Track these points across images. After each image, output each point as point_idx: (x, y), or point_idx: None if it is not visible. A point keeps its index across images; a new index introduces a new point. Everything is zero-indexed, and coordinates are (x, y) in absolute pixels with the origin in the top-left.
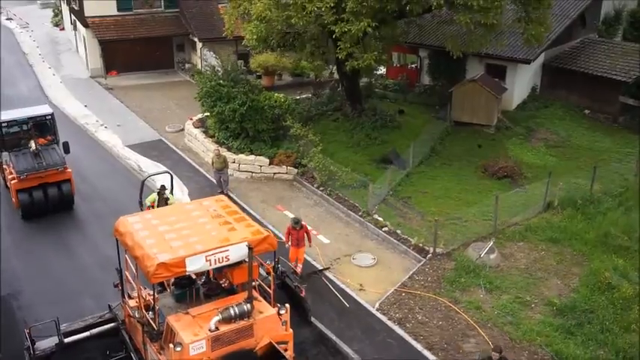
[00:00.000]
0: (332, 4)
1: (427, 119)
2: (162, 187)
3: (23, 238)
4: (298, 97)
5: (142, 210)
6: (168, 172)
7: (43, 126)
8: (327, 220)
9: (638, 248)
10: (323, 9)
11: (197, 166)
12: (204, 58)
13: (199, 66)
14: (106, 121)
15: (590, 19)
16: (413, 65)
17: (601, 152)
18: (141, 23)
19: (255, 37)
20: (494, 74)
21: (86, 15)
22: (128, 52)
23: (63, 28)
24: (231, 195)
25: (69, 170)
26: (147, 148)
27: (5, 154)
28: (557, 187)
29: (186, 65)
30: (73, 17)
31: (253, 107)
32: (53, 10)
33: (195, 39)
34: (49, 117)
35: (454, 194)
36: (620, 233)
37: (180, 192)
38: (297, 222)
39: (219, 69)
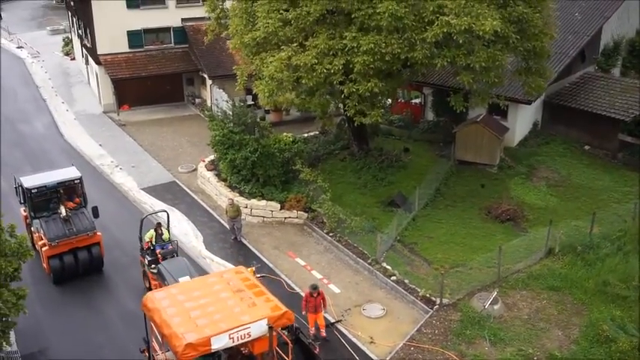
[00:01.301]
0: (340, 67)
1: (432, 158)
2: (159, 225)
3: (49, 291)
4: (306, 135)
5: (141, 243)
6: (165, 211)
7: (72, 189)
8: (337, 268)
9: (636, 297)
10: (332, 71)
11: (211, 210)
12: (215, 100)
13: (209, 101)
14: (120, 162)
15: (590, 54)
16: (417, 100)
17: (600, 192)
18: (151, 60)
19: (267, 94)
20: (497, 112)
21: (99, 53)
22: (139, 87)
23: (74, 58)
24: (245, 241)
25: (98, 234)
26: (161, 191)
27: (36, 221)
28: (558, 231)
29: (197, 100)
30: (85, 51)
31: (264, 153)
32: (64, 40)
33: (205, 75)
34: (78, 181)
35: (459, 239)
36: (619, 281)
37: (194, 238)
38: (315, 288)
39: (230, 112)
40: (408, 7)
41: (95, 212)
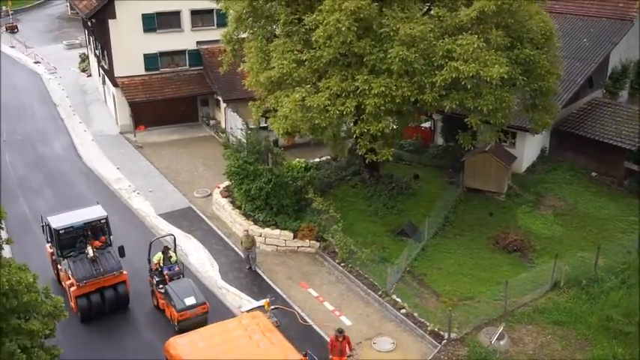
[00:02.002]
0: (352, 108)
1: (441, 184)
2: (166, 248)
3: (75, 328)
4: (318, 160)
5: (150, 265)
6: (172, 235)
7: (98, 228)
8: (348, 299)
9: (638, 334)
10: (344, 112)
11: (226, 238)
12: (230, 128)
13: (223, 123)
14: (138, 186)
15: (597, 79)
16: (426, 125)
17: (606, 221)
18: (167, 83)
19: (281, 132)
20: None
21: (116, 75)
22: (155, 108)
23: (90, 75)
24: (259, 271)
25: (124, 272)
26: (178, 217)
27: (64, 262)
28: (563, 263)
29: (211, 122)
30: (102, 72)
31: (277, 183)
32: (80, 56)
33: (220, 98)
34: (104, 220)
35: (467, 270)
36: (621, 316)
37: (211, 267)
38: (340, 332)
39: (244, 140)
40: (418, 51)
41: (121, 252)
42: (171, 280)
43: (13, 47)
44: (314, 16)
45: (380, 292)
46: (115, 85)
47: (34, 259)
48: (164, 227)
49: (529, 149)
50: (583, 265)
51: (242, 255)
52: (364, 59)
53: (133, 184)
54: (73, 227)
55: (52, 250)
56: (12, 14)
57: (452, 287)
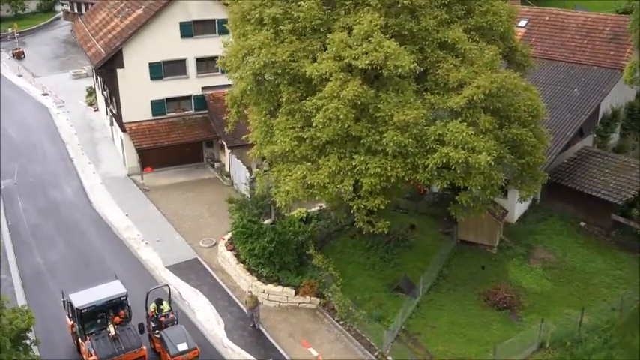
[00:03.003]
0: (350, 187)
1: (436, 235)
2: (159, 300)
3: None
4: (319, 209)
5: (147, 313)
6: (167, 285)
7: (118, 304)
8: (347, 358)
9: None
10: (342, 190)
11: (230, 293)
12: (235, 185)
13: (227, 167)
14: (146, 235)
15: (588, 128)
16: None
17: (592, 275)
18: (173, 128)
19: (284, 204)
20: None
21: (124, 121)
22: (161, 151)
23: (97, 109)
24: (262, 329)
25: (144, 348)
26: (185, 269)
27: (87, 341)
28: (550, 320)
29: (216, 164)
30: (110, 114)
31: (280, 241)
32: (87, 89)
33: (224, 142)
34: (124, 297)
35: (459, 329)
36: None
37: (217, 325)
38: None
39: (248, 196)
40: (412, 135)
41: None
42: (166, 326)
43: (20, 76)
44: (314, 100)
45: (377, 353)
46: (123, 130)
47: (47, 314)
48: (172, 281)
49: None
50: (569, 324)
51: (245, 311)
52: (361, 140)
53: (141, 232)
54: (95, 306)
55: (72, 323)
56: (18, 37)
57: (444, 347)
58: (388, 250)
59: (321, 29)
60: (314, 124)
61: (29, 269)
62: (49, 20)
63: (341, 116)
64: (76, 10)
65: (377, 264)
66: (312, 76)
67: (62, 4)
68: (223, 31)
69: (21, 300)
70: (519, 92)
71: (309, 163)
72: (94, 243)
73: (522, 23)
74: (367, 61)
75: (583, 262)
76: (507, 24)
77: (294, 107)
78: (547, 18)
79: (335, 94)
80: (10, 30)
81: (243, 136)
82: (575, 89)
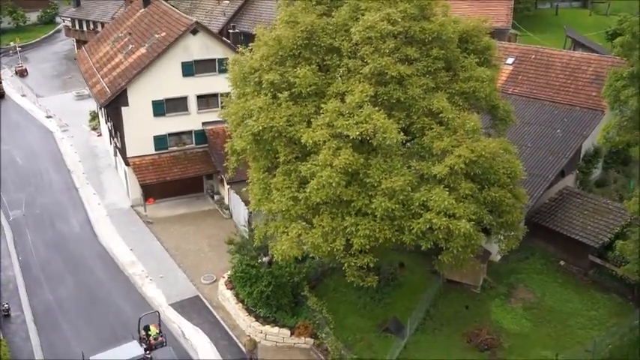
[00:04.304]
0: (341, 247)
1: (424, 274)
2: (147, 327)
3: None
4: None
5: (139, 335)
6: (157, 312)
7: None
8: None
9: None
10: (334, 249)
11: (230, 332)
12: (235, 228)
13: (226, 200)
14: (150, 271)
15: (569, 168)
16: None
17: (569, 316)
18: (175, 162)
19: (280, 259)
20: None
21: (128, 156)
22: (164, 183)
23: (100, 134)
24: None
25: None
26: (187, 308)
27: None
28: None
29: (215, 196)
30: (114, 147)
31: (277, 284)
32: (90, 114)
33: (224, 177)
34: (142, 359)
35: None
36: None
37: None
38: None
39: (247, 237)
40: (398, 201)
41: None
42: (156, 348)
43: (24, 96)
44: (309, 165)
45: None
46: (127, 164)
47: (60, 354)
48: (175, 319)
49: None
50: None
51: (244, 352)
52: (352, 203)
53: (145, 268)
54: None
55: None
56: (20, 50)
57: None
58: (378, 290)
59: (316, 93)
60: (308, 190)
61: (40, 305)
62: (50, 33)
63: (333, 183)
64: (77, 27)
65: (367, 304)
66: (307, 143)
67: (63, 20)
68: (223, 70)
69: (34, 338)
70: (499, 155)
71: (304, 222)
72: (100, 279)
73: (510, 60)
74: (357, 132)
75: (561, 302)
76: (489, 89)
77: (290, 168)
78: (533, 56)
79: (328, 163)
80: (11, 44)
81: (244, 189)
82: (558, 130)
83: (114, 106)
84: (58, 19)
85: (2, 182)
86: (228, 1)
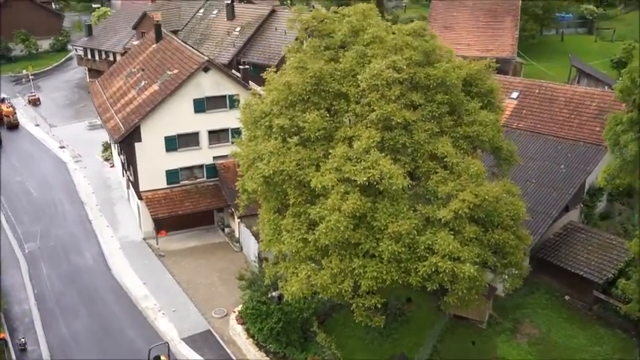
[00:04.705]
0: (349, 288)
1: (430, 309)
2: (157, 357)
3: None
4: None
5: None
6: (166, 343)
7: None
8: None
9: None
10: (342, 290)
11: None
12: (245, 263)
13: (237, 233)
14: (162, 305)
15: (573, 203)
16: None
17: (574, 351)
18: (187, 196)
19: (291, 299)
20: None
21: (141, 190)
22: (176, 216)
23: (113, 165)
24: None
25: None
26: (198, 342)
27: None
28: None
29: (226, 229)
30: (127, 180)
31: (286, 321)
32: (103, 144)
33: (234, 210)
34: None
35: None
36: None
37: None
38: None
39: (258, 272)
40: (404, 244)
41: None
42: None
43: (37, 125)
44: (318, 209)
45: None
46: (140, 197)
47: None
48: (187, 354)
49: None
50: None
51: None
52: (359, 246)
53: (158, 302)
54: None
55: None
56: (32, 79)
57: None
58: (386, 325)
59: (325, 137)
60: (317, 233)
61: (55, 339)
62: (62, 61)
63: (341, 227)
64: (89, 57)
65: (376, 339)
66: (316, 187)
67: (76, 50)
68: (233, 106)
69: None
70: (502, 199)
71: (313, 264)
72: (114, 312)
73: (514, 95)
74: (365, 178)
75: (566, 337)
76: (492, 132)
77: (299, 210)
78: (537, 90)
79: (336, 207)
80: (24, 72)
81: (254, 227)
82: (562, 166)
83: (127, 141)
84: (69, 47)
85: (17, 214)
86: (237, 33)
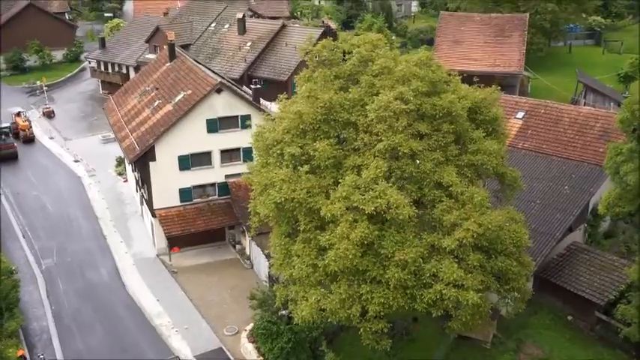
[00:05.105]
0: (357, 313)
1: (436, 329)
2: None
3: None
4: None
5: None
6: (177, 357)
7: None
8: None
9: None
10: (351, 315)
11: None
12: (256, 284)
13: (247, 250)
14: (175, 322)
15: (577, 224)
16: None
17: None
18: (199, 214)
19: (301, 322)
20: None
21: (154, 208)
22: (188, 233)
23: (126, 180)
24: None
25: None
26: None
27: None
28: None
29: (237, 246)
30: (141, 196)
31: (296, 341)
32: (116, 159)
33: (245, 228)
34: None
35: None
36: None
37: None
38: None
39: (269, 293)
40: (410, 272)
41: None
42: None
43: (52, 138)
44: (327, 236)
45: None
46: (154, 215)
47: None
48: None
49: None
50: None
51: None
52: (367, 272)
53: (171, 319)
54: None
55: None
56: (47, 90)
57: None
58: (393, 345)
59: (334, 165)
60: (326, 260)
61: (72, 355)
62: (75, 72)
63: (350, 255)
64: (102, 69)
65: (383, 358)
66: (326, 216)
67: (89, 62)
68: (245, 126)
69: None
70: (505, 226)
71: (322, 289)
72: (129, 329)
73: (520, 115)
74: (372, 207)
75: (568, 357)
76: (496, 161)
77: (309, 236)
78: (542, 111)
79: (345, 236)
80: (38, 83)
81: (266, 250)
82: (566, 187)
83: (142, 161)
84: (82, 57)
85: (33, 228)
86: (248, 47)
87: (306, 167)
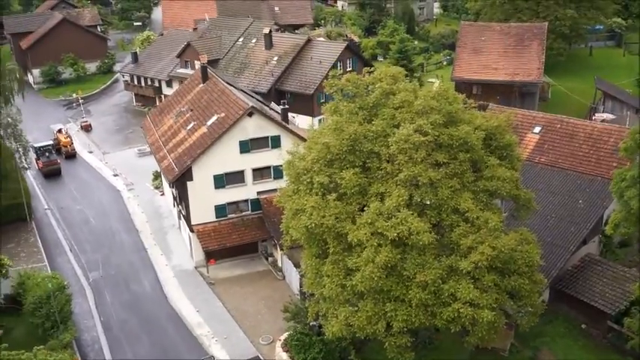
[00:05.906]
0: (382, 329)
1: (456, 339)
2: None
3: None
4: None
5: None
6: (212, 356)
7: None
8: None
9: None
10: (377, 331)
11: None
12: (289, 297)
13: (279, 262)
14: (215, 332)
15: (591, 237)
16: None
17: None
18: (234, 229)
19: (331, 337)
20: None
21: (192, 223)
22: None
23: (163, 193)
24: None
25: None
26: None
27: None
28: None
29: (269, 258)
30: (179, 211)
31: (327, 351)
32: (153, 173)
33: (276, 242)
34: None
35: None
36: None
37: None
38: None
39: (300, 305)
40: (430, 292)
41: None
42: None
43: (91, 152)
44: (354, 259)
45: None
46: (192, 230)
47: None
48: None
49: None
50: None
51: None
52: (391, 292)
53: (211, 329)
54: None
55: None
56: (82, 102)
57: None
58: (416, 354)
59: (359, 192)
60: (354, 281)
61: None
62: (109, 83)
63: (375, 277)
64: (135, 82)
65: None
66: (352, 241)
67: (123, 76)
68: (275, 146)
69: None
70: (518, 248)
71: (350, 307)
72: (173, 339)
73: (537, 129)
74: (395, 234)
75: None
76: (510, 186)
77: (338, 258)
78: (559, 125)
79: (370, 260)
80: (74, 95)
81: (299, 270)
82: (580, 201)
83: (180, 180)
84: (115, 68)
85: (79, 242)
86: (275, 62)
87: (334, 195)
